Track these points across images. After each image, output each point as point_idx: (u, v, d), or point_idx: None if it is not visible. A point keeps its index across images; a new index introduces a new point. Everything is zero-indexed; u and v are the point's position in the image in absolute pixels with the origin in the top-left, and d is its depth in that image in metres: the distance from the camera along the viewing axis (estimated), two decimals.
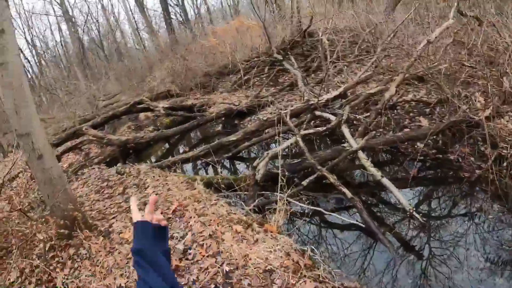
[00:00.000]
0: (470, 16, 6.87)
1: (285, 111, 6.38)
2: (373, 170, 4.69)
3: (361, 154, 4.97)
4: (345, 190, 4.57)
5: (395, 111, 6.34)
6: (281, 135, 5.56)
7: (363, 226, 4.23)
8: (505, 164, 4.70)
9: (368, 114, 5.95)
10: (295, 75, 8.24)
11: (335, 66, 8.27)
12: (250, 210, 4.54)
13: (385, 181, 4.47)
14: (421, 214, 4.14)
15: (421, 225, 4.13)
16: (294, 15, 11.24)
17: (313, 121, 6.58)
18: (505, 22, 7.01)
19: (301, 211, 4.84)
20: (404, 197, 4.32)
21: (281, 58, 9.64)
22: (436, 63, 6.60)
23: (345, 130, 5.46)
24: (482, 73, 6.09)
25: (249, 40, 12.62)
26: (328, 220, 4.66)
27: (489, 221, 4.30)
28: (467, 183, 4.85)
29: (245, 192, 5.15)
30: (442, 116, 5.81)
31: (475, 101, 5.72)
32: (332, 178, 4.80)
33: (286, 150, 5.97)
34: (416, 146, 5.54)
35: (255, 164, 5.38)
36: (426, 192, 5.18)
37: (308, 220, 4.75)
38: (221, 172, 6.19)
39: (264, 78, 10.09)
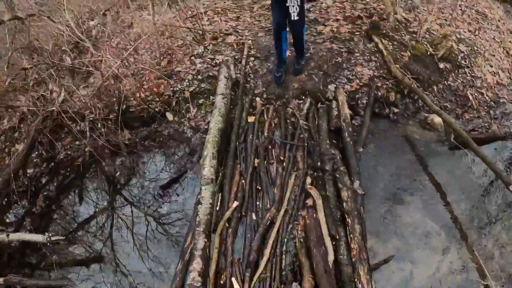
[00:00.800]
0: (7, 20, 6.03)
1: None
2: None
3: None
4: None
5: None
6: None
7: None
8: (99, 124, 4.55)
9: None
10: None
11: None
12: None
13: (13, 236, 3.70)
14: (53, 234, 3.59)
15: (68, 241, 3.71)
16: None
17: None
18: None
19: None
20: (35, 234, 3.69)
21: None
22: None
23: None
24: (46, 65, 5.61)
25: None
26: None
27: (123, 174, 4.29)
28: (86, 165, 4.50)
29: None
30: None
31: (50, 94, 5.14)
32: None
33: None
34: (28, 174, 4.62)
35: None
36: (62, 205, 4.39)
37: None
38: None
39: None
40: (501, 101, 4.70)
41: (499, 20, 6.30)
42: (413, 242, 3.04)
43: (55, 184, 4.56)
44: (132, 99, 4.50)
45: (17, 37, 6.31)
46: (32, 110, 4.80)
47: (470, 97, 4.55)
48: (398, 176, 3.58)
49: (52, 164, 4.69)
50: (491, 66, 5.08)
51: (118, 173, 4.27)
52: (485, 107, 4.57)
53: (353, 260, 2.67)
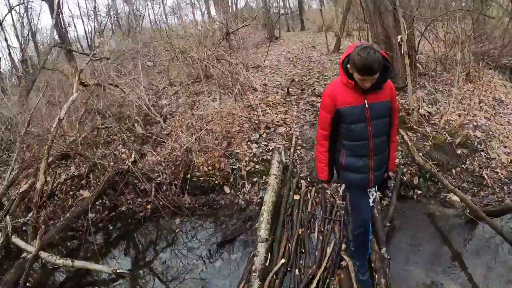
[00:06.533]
0: (92, 84, 7.28)
1: None
2: (61, 261, 4.37)
3: (44, 254, 4.48)
4: None
5: (56, 197, 6.02)
6: None
7: None
8: (164, 187, 5.40)
9: (31, 213, 5.42)
10: None
11: None
12: None
13: (79, 263, 4.37)
14: (124, 268, 4.29)
15: (133, 276, 4.29)
16: None
17: None
18: (124, 81, 7.86)
19: None
20: (104, 265, 4.41)
21: None
22: (75, 137, 6.66)
23: (17, 240, 4.84)
24: (117, 128, 6.61)
25: None
26: None
27: (183, 232, 4.99)
28: (146, 220, 5.28)
29: None
30: (98, 180, 5.88)
31: (120, 153, 6.12)
32: None
33: None
34: (88, 218, 5.41)
35: None
36: (123, 247, 5.10)
37: None
38: None
39: None
40: None
41: None
42: None
43: (115, 229, 5.35)
44: (196, 171, 5.39)
45: (91, 100, 7.46)
46: (103, 164, 5.69)
47: (486, 177, 5.16)
48: (421, 245, 4.11)
49: (113, 213, 5.54)
50: (505, 147, 5.70)
51: (178, 230, 5.00)
52: (500, 184, 5.11)
53: None
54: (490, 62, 8.29)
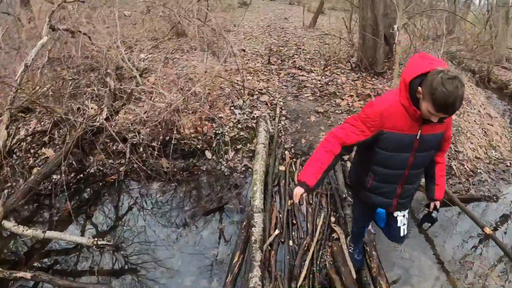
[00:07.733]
0: (62, 29, 6.62)
1: None
2: (29, 232, 3.75)
3: (7, 224, 3.84)
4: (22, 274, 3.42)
5: (14, 155, 5.33)
6: None
7: None
8: (141, 149, 5.01)
9: None
10: None
11: None
12: None
13: (51, 234, 3.79)
14: (107, 238, 3.77)
15: (116, 247, 3.90)
16: None
17: None
18: (96, 29, 7.20)
19: None
20: (79, 235, 3.97)
21: None
22: (38, 87, 6.06)
23: None
24: (86, 81, 6.09)
25: None
26: None
27: (163, 198, 4.70)
28: (119, 183, 4.88)
29: None
30: (64, 137, 5.39)
31: (89, 109, 5.62)
32: None
33: None
34: (53, 180, 4.94)
35: None
36: (96, 215, 4.59)
37: None
38: None
39: None
40: (478, 171, 5.59)
41: (481, 105, 7.44)
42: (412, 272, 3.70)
43: (85, 193, 4.87)
44: (175, 133, 5.05)
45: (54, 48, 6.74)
46: (70, 120, 4.99)
47: (454, 168, 5.45)
48: None
49: (81, 175, 5.01)
50: (472, 143, 6.05)
51: (158, 196, 4.68)
52: (465, 176, 5.42)
53: (374, 275, 3.39)
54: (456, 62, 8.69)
